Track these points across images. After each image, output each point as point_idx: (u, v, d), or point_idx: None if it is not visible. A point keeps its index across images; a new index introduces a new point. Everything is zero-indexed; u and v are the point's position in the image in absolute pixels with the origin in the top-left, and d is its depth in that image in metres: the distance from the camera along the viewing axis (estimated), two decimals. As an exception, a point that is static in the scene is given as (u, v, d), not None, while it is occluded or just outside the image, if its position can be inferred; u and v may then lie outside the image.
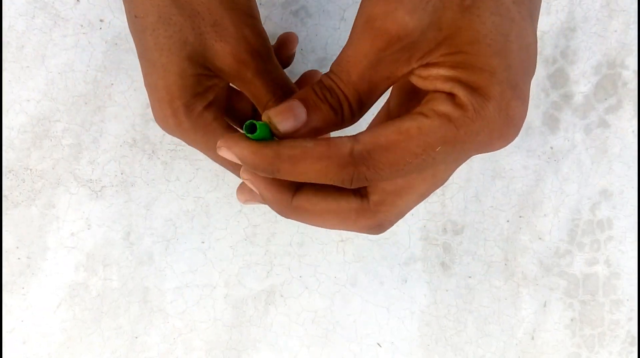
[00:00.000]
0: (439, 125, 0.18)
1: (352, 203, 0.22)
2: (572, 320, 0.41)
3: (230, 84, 0.29)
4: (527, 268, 0.40)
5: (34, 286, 0.37)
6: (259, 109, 0.29)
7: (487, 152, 0.20)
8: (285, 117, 0.20)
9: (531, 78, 0.20)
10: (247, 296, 0.38)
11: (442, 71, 0.19)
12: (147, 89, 0.28)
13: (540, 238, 0.40)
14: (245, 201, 0.27)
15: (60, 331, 0.37)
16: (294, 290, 0.39)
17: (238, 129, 0.31)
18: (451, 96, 0.19)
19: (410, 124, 0.19)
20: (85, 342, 0.37)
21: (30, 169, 0.36)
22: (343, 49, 0.21)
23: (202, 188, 0.38)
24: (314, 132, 0.21)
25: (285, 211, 0.23)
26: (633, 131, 0.40)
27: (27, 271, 0.37)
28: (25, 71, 0.36)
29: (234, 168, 0.29)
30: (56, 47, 0.36)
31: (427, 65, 0.20)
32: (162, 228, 0.37)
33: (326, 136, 0.24)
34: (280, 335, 0.39)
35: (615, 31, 0.39)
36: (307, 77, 0.33)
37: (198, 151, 0.37)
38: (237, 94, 0.31)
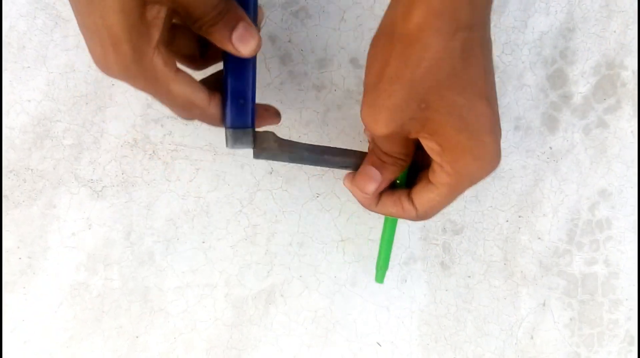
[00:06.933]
0: (447, 192, 0.29)
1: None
2: (571, 319, 0.41)
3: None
4: (527, 268, 0.40)
5: (35, 286, 0.37)
6: (196, 27, 0.26)
7: (478, 180, 0.28)
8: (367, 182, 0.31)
9: (491, 132, 0.27)
10: (248, 295, 0.39)
11: (435, 146, 0.27)
12: (83, 31, 0.25)
13: (539, 238, 0.40)
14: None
15: (61, 331, 0.37)
16: (294, 289, 0.39)
17: (186, 67, 0.28)
18: (443, 168, 0.28)
19: (434, 195, 0.30)
20: (86, 341, 0.37)
21: (31, 169, 0.36)
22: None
23: (203, 188, 0.38)
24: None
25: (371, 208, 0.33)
26: (632, 131, 0.40)
27: (28, 271, 0.37)
28: (27, 72, 0.36)
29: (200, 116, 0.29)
30: (57, 48, 0.36)
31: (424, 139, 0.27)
32: (162, 227, 0.38)
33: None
34: (280, 335, 0.39)
35: (614, 32, 0.40)
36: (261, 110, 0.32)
37: (198, 152, 0.37)
38: (179, 27, 0.29)
